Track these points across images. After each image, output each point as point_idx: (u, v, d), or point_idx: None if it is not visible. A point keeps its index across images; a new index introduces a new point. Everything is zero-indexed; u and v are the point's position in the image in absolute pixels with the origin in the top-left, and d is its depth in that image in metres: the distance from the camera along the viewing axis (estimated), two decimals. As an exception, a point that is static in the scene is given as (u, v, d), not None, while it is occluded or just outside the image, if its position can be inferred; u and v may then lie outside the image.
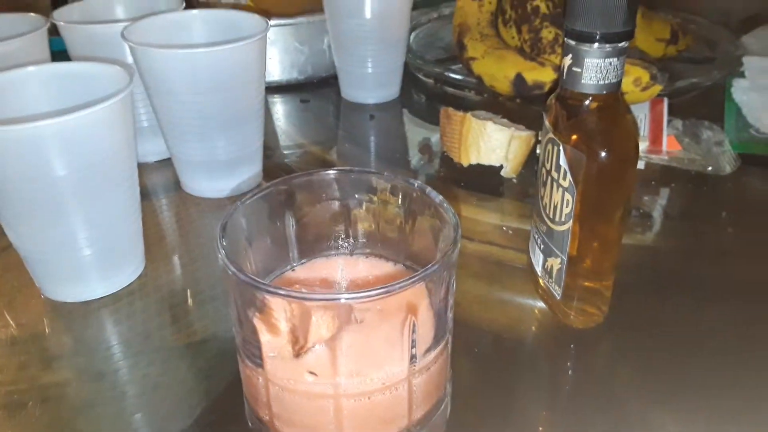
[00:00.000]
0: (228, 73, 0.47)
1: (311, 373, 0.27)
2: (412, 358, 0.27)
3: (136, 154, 0.42)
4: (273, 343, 0.27)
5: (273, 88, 0.74)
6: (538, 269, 0.39)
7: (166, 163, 0.56)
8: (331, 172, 0.33)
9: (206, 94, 0.48)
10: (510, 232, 0.48)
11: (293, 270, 0.34)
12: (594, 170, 0.32)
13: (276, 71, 0.74)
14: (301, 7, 0.73)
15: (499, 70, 0.63)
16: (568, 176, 0.34)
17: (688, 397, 0.34)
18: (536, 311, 0.40)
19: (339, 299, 0.26)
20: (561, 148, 0.34)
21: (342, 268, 0.34)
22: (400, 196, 0.32)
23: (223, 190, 0.52)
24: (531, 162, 0.54)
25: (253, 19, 0.52)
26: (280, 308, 0.26)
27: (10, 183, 0.36)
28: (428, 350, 0.28)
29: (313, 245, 0.34)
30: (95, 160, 0.37)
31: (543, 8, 0.65)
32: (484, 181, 0.53)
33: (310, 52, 0.74)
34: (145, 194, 0.51)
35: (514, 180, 0.53)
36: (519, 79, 0.61)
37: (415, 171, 0.57)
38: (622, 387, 0.35)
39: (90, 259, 0.40)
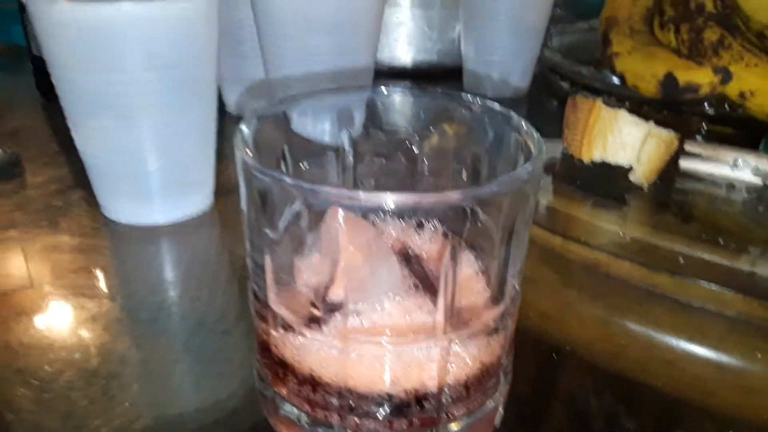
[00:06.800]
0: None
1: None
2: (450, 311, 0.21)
3: (216, 72, 0.38)
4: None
5: (396, 73, 0.71)
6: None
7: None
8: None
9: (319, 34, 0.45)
10: (629, 240, 0.40)
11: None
12: None
13: (401, 55, 0.70)
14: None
15: (646, 67, 0.54)
16: None
17: None
18: (645, 340, 0.32)
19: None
20: None
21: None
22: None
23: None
24: (670, 172, 0.46)
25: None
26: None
27: (80, 73, 0.34)
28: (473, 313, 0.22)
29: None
30: (173, 62, 0.34)
31: (709, 6, 0.55)
32: (606, 183, 0.45)
33: (438, 39, 0.70)
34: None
35: (645, 188, 0.45)
36: (669, 78, 0.52)
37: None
38: None
39: (156, 177, 0.37)
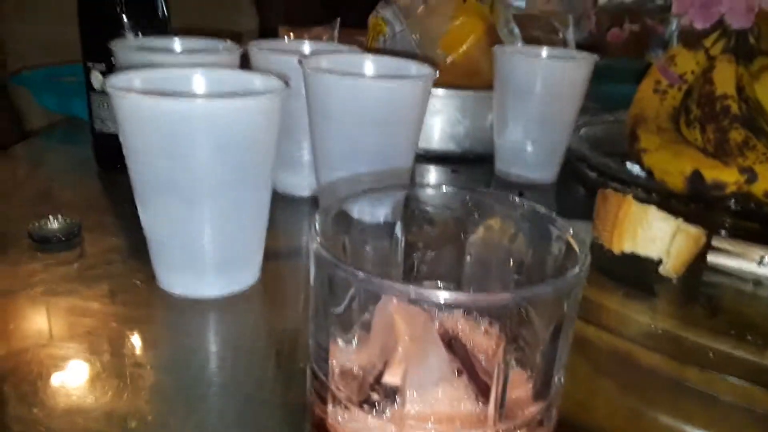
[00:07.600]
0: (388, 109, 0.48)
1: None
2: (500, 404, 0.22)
3: (273, 163, 0.42)
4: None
5: (430, 158, 0.74)
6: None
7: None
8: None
9: (367, 126, 0.49)
10: (659, 332, 0.41)
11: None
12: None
13: (435, 140, 0.73)
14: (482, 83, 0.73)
15: (673, 164, 0.56)
16: None
17: None
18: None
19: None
20: None
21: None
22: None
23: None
24: (698, 266, 0.47)
25: (420, 66, 0.52)
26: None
27: (153, 158, 0.37)
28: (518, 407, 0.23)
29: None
30: (239, 152, 0.38)
31: (734, 108, 0.58)
32: (636, 275, 0.47)
33: (471, 126, 0.73)
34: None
35: (674, 281, 0.46)
36: (696, 175, 0.55)
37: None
38: None
39: (211, 254, 0.40)
